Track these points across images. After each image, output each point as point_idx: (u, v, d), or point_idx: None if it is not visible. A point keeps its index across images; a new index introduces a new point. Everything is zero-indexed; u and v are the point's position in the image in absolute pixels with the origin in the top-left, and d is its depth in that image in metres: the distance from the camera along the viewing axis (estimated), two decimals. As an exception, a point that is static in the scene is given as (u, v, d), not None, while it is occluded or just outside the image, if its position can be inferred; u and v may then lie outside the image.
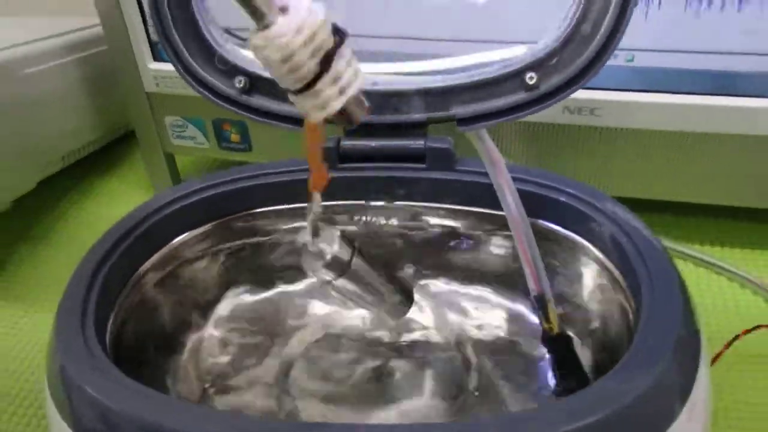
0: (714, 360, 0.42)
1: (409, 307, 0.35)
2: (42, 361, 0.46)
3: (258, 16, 0.22)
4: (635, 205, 0.52)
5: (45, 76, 0.59)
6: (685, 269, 0.53)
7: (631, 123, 0.49)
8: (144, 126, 0.61)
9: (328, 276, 0.29)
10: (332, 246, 0.29)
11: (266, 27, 0.22)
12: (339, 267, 0.29)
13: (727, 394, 0.43)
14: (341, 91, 0.24)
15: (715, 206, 0.56)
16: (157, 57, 0.56)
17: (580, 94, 0.42)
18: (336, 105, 0.24)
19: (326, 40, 0.23)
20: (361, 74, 0.24)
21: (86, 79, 0.64)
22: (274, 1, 0.22)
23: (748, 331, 0.43)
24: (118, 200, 0.67)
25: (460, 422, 0.31)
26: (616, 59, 0.46)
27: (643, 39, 0.46)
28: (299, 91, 0.23)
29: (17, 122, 0.55)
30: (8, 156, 0.55)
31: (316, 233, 0.28)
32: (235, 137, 0.59)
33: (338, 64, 0.23)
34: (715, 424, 0.39)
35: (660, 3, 0.43)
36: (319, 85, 0.23)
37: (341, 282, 0.30)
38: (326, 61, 0.23)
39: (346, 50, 0.24)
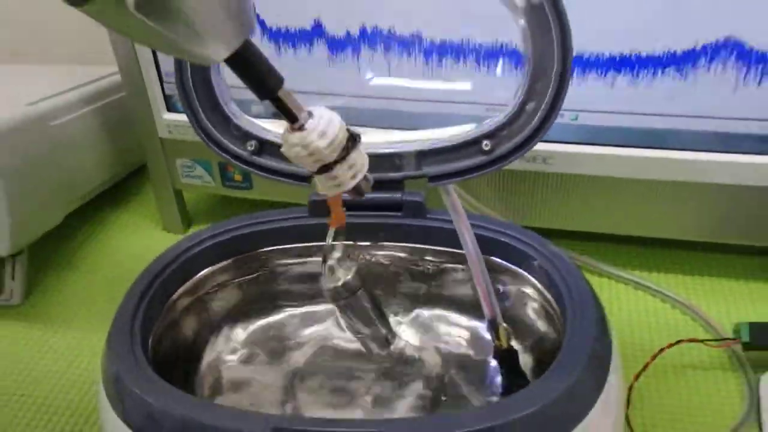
0: (643, 369, 0.48)
1: (393, 341, 0.40)
2: (72, 373, 0.53)
3: (291, 120, 0.28)
4: (582, 236, 0.60)
5: (70, 125, 0.64)
6: (624, 291, 0.60)
7: (576, 170, 0.55)
8: (156, 167, 0.67)
9: (338, 298, 0.35)
10: (348, 273, 0.35)
11: (298, 129, 0.28)
12: (349, 291, 0.35)
13: (653, 398, 0.48)
14: (353, 176, 0.30)
15: (650, 238, 0.61)
16: (170, 108, 0.62)
17: (534, 146, 0.50)
18: (349, 185, 0.30)
19: (342, 139, 0.29)
20: (367, 161, 0.30)
21: (105, 124, 0.69)
22: (303, 109, 0.28)
23: (671, 345, 0.49)
24: (131, 231, 0.72)
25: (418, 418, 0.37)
26: (563, 118, 0.53)
27: (585, 102, 0.52)
28: (319, 172, 0.29)
29: (47, 167, 0.60)
30: (40, 197, 0.60)
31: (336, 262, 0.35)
32: (237, 177, 0.65)
33: (352, 156, 0.29)
34: (641, 423, 0.46)
35: (598, 75, 0.50)
36: (336, 170, 0.29)
37: (346, 305, 0.36)
38: (343, 153, 0.29)
39: (359, 146, 0.30)
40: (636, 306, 0.58)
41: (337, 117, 0.29)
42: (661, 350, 0.49)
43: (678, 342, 0.49)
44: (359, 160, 0.30)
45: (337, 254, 0.36)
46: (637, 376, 0.48)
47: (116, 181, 0.75)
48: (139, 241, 0.70)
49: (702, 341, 0.50)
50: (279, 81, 0.27)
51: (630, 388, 0.47)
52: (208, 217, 0.74)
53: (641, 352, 0.50)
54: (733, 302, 0.57)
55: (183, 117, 0.59)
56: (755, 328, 0.49)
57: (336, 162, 0.29)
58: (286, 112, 0.28)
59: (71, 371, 0.54)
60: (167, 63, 0.60)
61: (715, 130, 0.52)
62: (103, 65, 0.73)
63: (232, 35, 0.25)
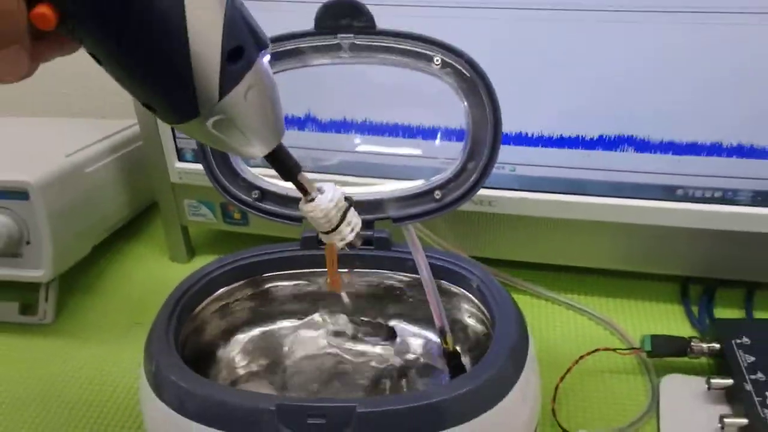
0: (567, 372, 0.54)
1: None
2: (97, 380, 0.59)
3: (305, 194, 0.37)
4: (524, 265, 0.68)
5: (100, 172, 0.70)
6: (557, 311, 0.65)
7: (516, 211, 0.61)
8: (167, 206, 0.72)
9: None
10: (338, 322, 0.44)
11: (311, 200, 0.36)
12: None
13: (575, 396, 0.54)
14: (352, 230, 0.38)
15: (579, 267, 0.67)
16: (181, 158, 0.68)
17: (481, 192, 0.55)
18: (350, 238, 0.38)
19: (342, 207, 0.37)
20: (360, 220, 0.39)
21: (125, 170, 0.75)
22: (314, 187, 0.37)
23: (590, 353, 0.55)
24: (142, 261, 0.77)
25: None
26: (503, 170, 0.60)
27: (521, 159, 0.59)
28: (327, 232, 0.38)
29: (81, 207, 0.66)
30: (75, 232, 0.65)
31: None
32: (237, 215, 0.71)
33: (349, 216, 0.38)
34: (565, 417, 0.52)
35: (526, 138, 0.58)
36: (340, 228, 0.38)
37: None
38: (344, 215, 0.38)
39: (353, 210, 0.38)
40: (566, 323, 0.64)
41: (339, 192, 0.37)
42: (581, 357, 0.55)
43: (595, 350, 0.55)
44: (354, 219, 0.39)
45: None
46: (562, 378, 0.53)
47: (132, 217, 0.80)
48: (150, 269, 0.75)
49: (615, 350, 0.56)
50: (299, 168, 0.35)
51: (556, 388, 0.52)
52: (210, 249, 0.78)
53: (568, 358, 0.55)
54: (645, 319, 0.63)
55: (191, 165, 0.67)
56: (656, 339, 0.55)
57: (340, 223, 0.38)
58: (302, 190, 0.36)
59: (96, 378, 0.59)
60: None
61: (624, 181, 0.58)
62: (119, 118, 0.80)
63: (271, 141, 0.33)
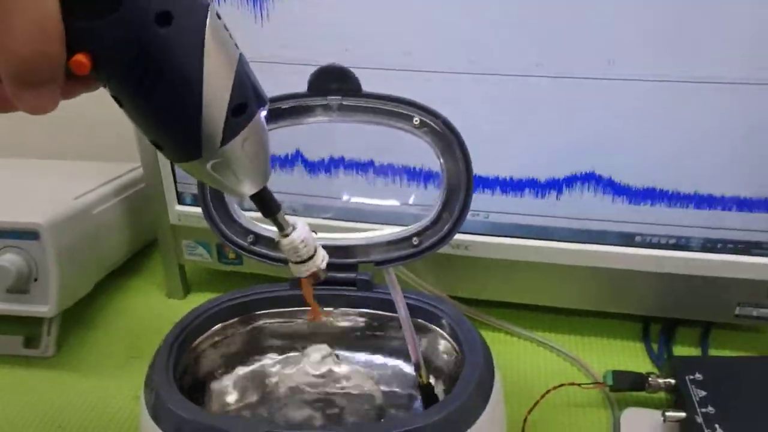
0: (534, 405, 0.56)
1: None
2: (96, 409, 0.60)
3: (280, 230, 0.40)
4: (497, 304, 0.70)
5: (105, 213, 0.72)
6: (527, 347, 0.67)
7: (489, 255, 0.64)
8: (166, 246, 0.75)
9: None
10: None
11: (285, 236, 0.40)
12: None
13: (542, 428, 0.56)
14: (317, 265, 0.42)
15: (548, 306, 0.70)
16: (180, 201, 0.71)
17: (457, 237, 0.57)
18: (313, 269, 0.42)
19: (312, 244, 0.41)
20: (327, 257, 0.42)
21: (128, 211, 0.77)
22: (289, 224, 0.40)
23: (556, 387, 0.57)
24: (140, 296, 0.78)
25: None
26: (478, 217, 0.63)
27: (493, 207, 0.62)
28: (297, 263, 0.42)
29: (87, 246, 0.68)
30: (80, 270, 0.68)
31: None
32: (231, 255, 0.74)
33: (318, 252, 0.42)
34: None
35: (502, 192, 0.62)
36: (307, 262, 0.41)
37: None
38: (314, 251, 0.41)
39: (320, 246, 0.42)
40: (536, 358, 0.66)
41: (308, 229, 0.41)
42: (549, 391, 0.57)
43: (561, 385, 0.58)
44: (321, 254, 0.42)
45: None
46: (530, 410, 0.55)
47: (131, 255, 0.82)
48: (147, 305, 0.77)
49: (579, 384, 0.58)
50: (279, 208, 0.39)
51: (524, 420, 0.55)
52: (204, 286, 0.80)
53: (536, 392, 0.57)
54: (608, 356, 0.65)
55: (190, 209, 0.70)
56: (617, 374, 0.57)
57: (310, 258, 0.42)
58: (279, 227, 0.40)
59: (95, 408, 0.60)
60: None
61: (585, 228, 0.61)
62: (123, 161, 0.83)
63: (259, 183, 0.37)
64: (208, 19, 0.30)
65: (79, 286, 0.69)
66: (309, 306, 0.45)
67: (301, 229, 0.41)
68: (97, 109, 0.96)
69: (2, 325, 0.69)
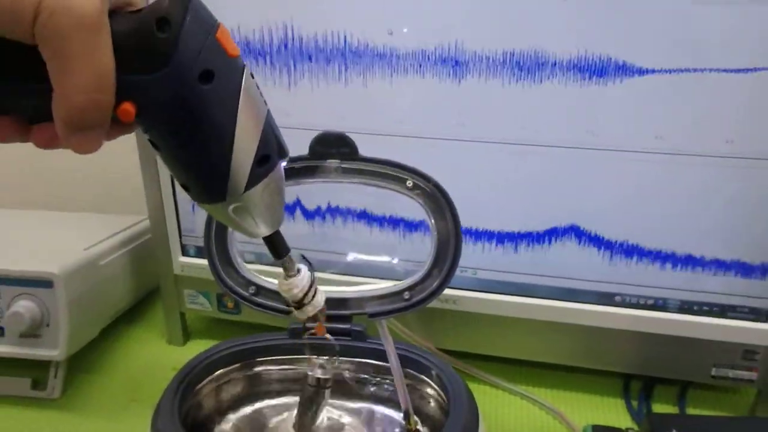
0: None
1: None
2: None
3: (286, 272, 0.43)
4: (484, 358, 0.71)
5: (112, 263, 0.75)
6: (512, 400, 0.69)
7: (476, 309, 0.66)
8: (169, 295, 0.77)
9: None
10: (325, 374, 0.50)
11: (289, 277, 0.43)
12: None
13: None
14: (315, 308, 0.45)
15: (533, 361, 0.71)
16: (184, 253, 0.74)
17: (446, 292, 0.60)
18: (310, 314, 0.45)
19: (314, 288, 0.44)
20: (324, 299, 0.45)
21: (134, 261, 0.80)
22: (294, 268, 0.43)
23: None
24: (142, 343, 0.80)
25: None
26: (466, 273, 0.66)
27: (481, 264, 0.65)
28: (297, 307, 0.45)
29: (94, 295, 0.71)
30: (87, 317, 0.70)
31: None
32: (230, 305, 0.76)
33: (317, 296, 0.45)
34: None
35: (488, 247, 0.65)
36: (305, 306, 0.44)
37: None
38: (313, 295, 0.44)
39: (321, 292, 0.45)
40: (519, 411, 0.67)
41: (309, 276, 0.44)
42: None
43: None
44: (319, 298, 0.45)
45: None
46: None
47: (133, 303, 0.84)
48: (148, 351, 0.79)
49: None
50: (288, 251, 0.42)
51: None
52: (204, 334, 0.81)
53: None
54: (590, 410, 0.67)
55: (193, 260, 0.72)
56: (596, 429, 0.59)
57: (308, 301, 0.44)
58: (285, 268, 0.43)
59: None
60: (186, 220, 0.72)
61: (567, 287, 0.64)
62: (125, 210, 0.87)
63: (272, 227, 0.40)
64: (243, 79, 0.34)
65: (86, 332, 0.71)
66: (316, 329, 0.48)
67: (304, 275, 0.44)
68: (107, 164, 1.00)
69: (12, 368, 0.71)
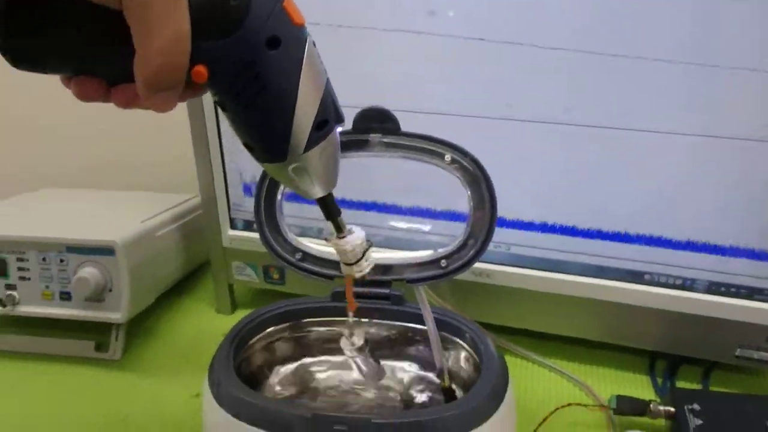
0: (543, 421, 0.59)
1: (382, 378, 0.56)
2: (155, 405, 0.65)
3: (338, 232, 0.45)
4: (514, 331, 0.73)
5: (166, 236, 0.79)
6: (541, 372, 0.71)
7: (508, 283, 0.68)
8: (218, 266, 0.80)
9: (353, 352, 0.52)
10: (360, 339, 0.52)
11: (342, 237, 0.45)
12: (360, 349, 0.52)
13: None
14: (368, 265, 0.47)
15: (562, 335, 0.72)
16: (233, 227, 0.77)
17: (480, 266, 0.65)
18: (366, 271, 0.47)
19: (364, 246, 0.46)
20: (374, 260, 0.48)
21: (186, 235, 0.84)
22: (346, 227, 0.45)
23: (563, 406, 0.61)
24: (192, 311, 0.84)
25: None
26: (500, 248, 0.68)
27: (514, 240, 0.67)
28: (349, 264, 0.47)
29: (151, 265, 0.75)
30: (145, 285, 0.74)
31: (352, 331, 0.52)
32: (276, 276, 0.79)
33: (368, 255, 0.47)
34: None
35: (520, 224, 0.67)
36: (360, 262, 0.47)
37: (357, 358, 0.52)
38: (364, 253, 0.46)
39: (370, 252, 0.47)
40: (547, 382, 0.69)
41: (364, 234, 0.47)
42: (557, 409, 0.60)
43: (569, 404, 0.61)
44: (371, 257, 0.48)
45: (355, 330, 0.53)
46: (538, 425, 0.59)
47: (186, 274, 0.88)
48: (199, 319, 0.83)
49: (585, 405, 0.63)
50: (339, 212, 0.45)
51: None
52: (250, 304, 0.85)
53: (546, 410, 0.60)
54: (616, 385, 0.68)
55: (241, 233, 0.75)
56: (620, 399, 0.61)
57: (360, 258, 0.47)
58: (338, 228, 0.46)
59: (155, 404, 0.66)
60: (234, 196, 0.75)
61: (598, 264, 0.66)
62: (179, 192, 0.90)
63: (327, 188, 0.42)
64: (306, 46, 0.36)
65: (144, 297, 0.75)
66: (348, 302, 0.51)
67: (357, 234, 0.46)
68: (162, 149, 1.05)
69: (78, 331, 0.76)
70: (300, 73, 0.36)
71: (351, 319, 0.51)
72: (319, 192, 0.42)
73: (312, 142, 0.38)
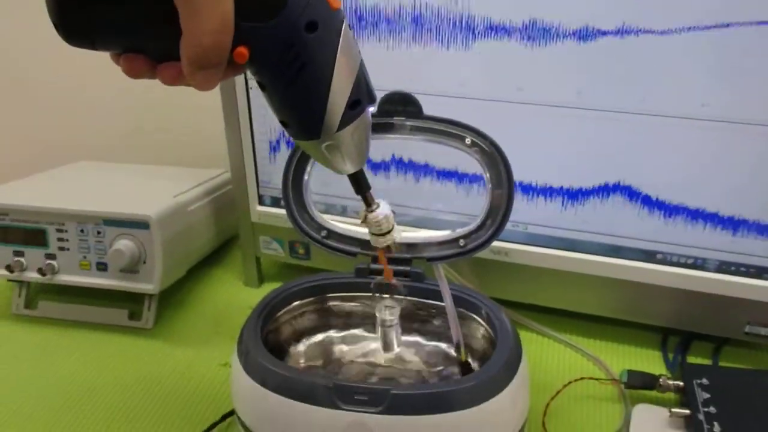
0: (556, 393, 0.62)
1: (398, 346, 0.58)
2: (186, 373, 0.68)
3: (368, 206, 0.47)
4: (530, 307, 0.74)
5: (198, 210, 0.81)
6: (556, 347, 0.72)
7: (525, 261, 0.69)
8: (246, 240, 0.82)
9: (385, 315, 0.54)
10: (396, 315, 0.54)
11: (371, 211, 0.47)
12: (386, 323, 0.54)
13: (563, 413, 0.61)
14: (395, 236, 0.49)
15: (577, 312, 0.73)
16: (261, 203, 0.79)
17: (498, 244, 0.66)
18: (396, 239, 0.49)
19: (392, 220, 0.48)
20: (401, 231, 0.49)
21: (216, 209, 0.86)
22: (375, 202, 0.47)
23: (576, 380, 0.64)
24: (221, 283, 0.87)
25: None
26: (517, 228, 0.69)
27: (531, 219, 0.68)
28: (377, 235, 0.48)
29: (183, 238, 0.77)
30: (177, 257, 0.76)
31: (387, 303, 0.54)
32: (301, 251, 0.81)
33: (395, 227, 0.48)
34: (553, 429, 0.59)
35: (541, 202, 0.67)
36: (390, 232, 0.48)
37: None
38: (391, 227, 0.48)
39: (396, 224, 0.49)
40: (561, 356, 0.70)
41: (389, 208, 0.48)
42: (570, 383, 0.63)
43: (581, 378, 0.64)
44: (398, 228, 0.49)
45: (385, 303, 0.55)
46: (552, 398, 0.61)
47: (216, 248, 0.91)
48: (227, 291, 0.85)
49: (597, 379, 0.64)
50: (369, 187, 0.46)
51: (547, 406, 0.60)
52: (277, 277, 0.87)
53: (559, 383, 0.63)
54: (628, 360, 0.70)
55: (269, 209, 0.77)
56: (631, 373, 0.62)
57: (389, 231, 0.48)
58: (367, 202, 0.47)
59: (186, 371, 0.68)
60: (263, 173, 0.77)
61: (612, 243, 0.66)
62: (210, 168, 0.92)
63: (358, 165, 0.44)
64: (343, 29, 0.37)
65: (176, 269, 0.78)
66: (384, 272, 0.53)
67: (384, 207, 0.48)
68: (194, 125, 1.07)
69: (113, 300, 0.79)
70: (336, 55, 0.37)
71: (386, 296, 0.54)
72: (350, 168, 0.44)
73: (345, 121, 0.40)
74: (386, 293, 0.57)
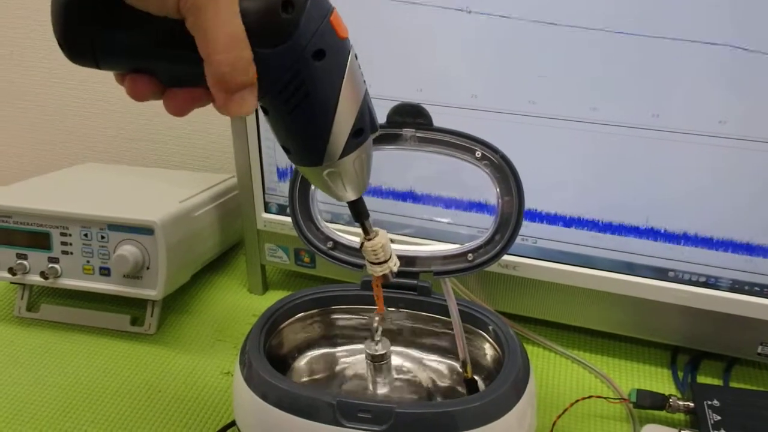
0: (563, 411, 0.61)
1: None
2: (187, 379, 0.67)
3: (365, 234, 0.47)
4: (538, 322, 0.74)
5: (203, 216, 0.80)
6: (563, 362, 0.71)
7: (534, 276, 0.68)
8: (251, 248, 0.82)
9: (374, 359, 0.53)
10: (386, 348, 0.53)
11: (369, 239, 0.47)
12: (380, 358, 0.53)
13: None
14: (394, 265, 0.48)
15: (585, 328, 0.73)
16: (267, 210, 0.78)
17: (506, 258, 0.65)
18: (393, 269, 0.48)
19: (389, 249, 0.47)
20: (398, 261, 0.49)
21: (221, 215, 0.85)
22: (373, 229, 0.47)
23: (584, 398, 0.63)
24: (226, 290, 0.86)
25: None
26: (527, 242, 0.68)
27: (540, 234, 0.67)
28: (374, 264, 0.48)
29: (188, 244, 0.76)
30: (181, 263, 0.75)
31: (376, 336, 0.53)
32: (306, 259, 0.80)
33: (393, 256, 0.48)
34: None
35: (547, 224, 0.67)
36: (387, 262, 0.48)
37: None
38: (388, 256, 0.48)
39: (394, 253, 0.49)
40: (569, 373, 0.70)
41: (387, 237, 0.47)
42: (577, 400, 0.62)
43: (590, 396, 0.63)
44: (395, 258, 0.49)
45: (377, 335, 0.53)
46: (559, 416, 0.61)
47: (220, 254, 0.90)
48: (231, 298, 0.84)
49: (606, 398, 0.64)
50: (367, 215, 0.46)
51: (553, 424, 0.60)
52: (281, 285, 0.87)
53: (567, 401, 0.62)
54: (637, 378, 0.69)
55: (275, 216, 0.76)
56: (640, 393, 0.61)
57: (386, 260, 0.48)
58: (365, 230, 0.47)
59: (188, 378, 0.68)
60: (269, 180, 0.76)
61: (624, 260, 0.65)
62: (214, 172, 0.92)
63: (358, 192, 0.44)
64: (349, 59, 0.37)
65: (180, 275, 0.77)
66: (376, 302, 0.51)
67: (382, 236, 0.48)
68: (202, 130, 1.07)
69: (115, 305, 0.79)
70: (342, 83, 0.37)
71: (378, 323, 0.53)
72: (350, 195, 0.44)
73: (348, 149, 0.40)
74: (391, 306, 0.57)
